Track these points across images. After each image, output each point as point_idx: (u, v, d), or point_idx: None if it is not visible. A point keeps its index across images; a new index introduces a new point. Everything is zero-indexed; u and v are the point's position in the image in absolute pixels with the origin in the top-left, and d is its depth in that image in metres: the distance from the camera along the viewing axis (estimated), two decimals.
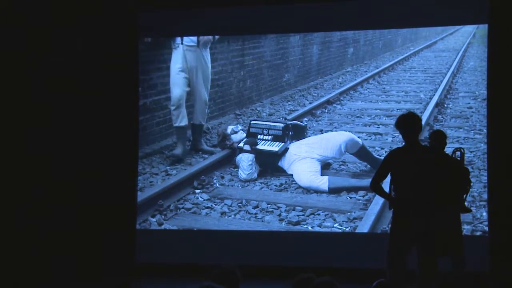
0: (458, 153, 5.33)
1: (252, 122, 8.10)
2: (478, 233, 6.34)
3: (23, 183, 6.54)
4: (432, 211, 4.88)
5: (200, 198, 7.26)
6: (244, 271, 3.58)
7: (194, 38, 8.09)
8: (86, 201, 6.52)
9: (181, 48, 8.09)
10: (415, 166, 4.86)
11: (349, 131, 8.03)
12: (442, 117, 8.93)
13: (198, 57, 8.15)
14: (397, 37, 13.05)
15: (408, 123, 5.01)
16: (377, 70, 11.50)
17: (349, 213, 6.79)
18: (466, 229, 6.16)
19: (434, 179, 4.87)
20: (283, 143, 7.79)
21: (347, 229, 6.66)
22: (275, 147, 7.74)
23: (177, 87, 8.14)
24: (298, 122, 8.37)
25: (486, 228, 6.08)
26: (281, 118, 8.70)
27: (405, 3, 6.61)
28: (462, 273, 5.08)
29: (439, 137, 5.22)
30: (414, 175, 4.86)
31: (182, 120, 8.10)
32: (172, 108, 8.06)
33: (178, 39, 8.08)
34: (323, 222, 6.75)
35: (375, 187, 5.12)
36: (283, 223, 6.82)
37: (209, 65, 8.24)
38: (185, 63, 8.10)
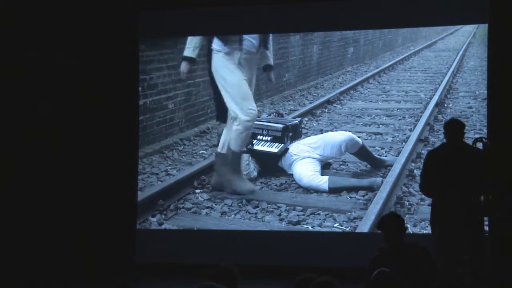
0: (480, 144, 5.04)
1: None
2: None
3: (22, 182, 6.54)
4: None
5: (200, 198, 7.26)
6: (244, 271, 3.58)
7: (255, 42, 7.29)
8: (86, 201, 6.52)
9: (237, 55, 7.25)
10: (403, 270, 4.08)
11: (349, 131, 8.01)
12: (442, 116, 8.93)
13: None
14: (397, 36, 13.05)
15: (390, 226, 4.37)
16: (377, 70, 11.51)
17: (349, 213, 6.79)
18: None
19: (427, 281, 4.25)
20: (282, 144, 7.77)
21: (348, 228, 6.65)
22: (274, 148, 7.72)
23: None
24: (292, 120, 8.34)
25: (486, 228, 6.06)
26: (274, 113, 8.60)
27: (405, 3, 6.60)
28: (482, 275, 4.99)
29: (450, 128, 5.01)
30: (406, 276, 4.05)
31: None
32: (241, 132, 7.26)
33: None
34: (323, 221, 6.75)
35: None
36: (283, 222, 6.82)
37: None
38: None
